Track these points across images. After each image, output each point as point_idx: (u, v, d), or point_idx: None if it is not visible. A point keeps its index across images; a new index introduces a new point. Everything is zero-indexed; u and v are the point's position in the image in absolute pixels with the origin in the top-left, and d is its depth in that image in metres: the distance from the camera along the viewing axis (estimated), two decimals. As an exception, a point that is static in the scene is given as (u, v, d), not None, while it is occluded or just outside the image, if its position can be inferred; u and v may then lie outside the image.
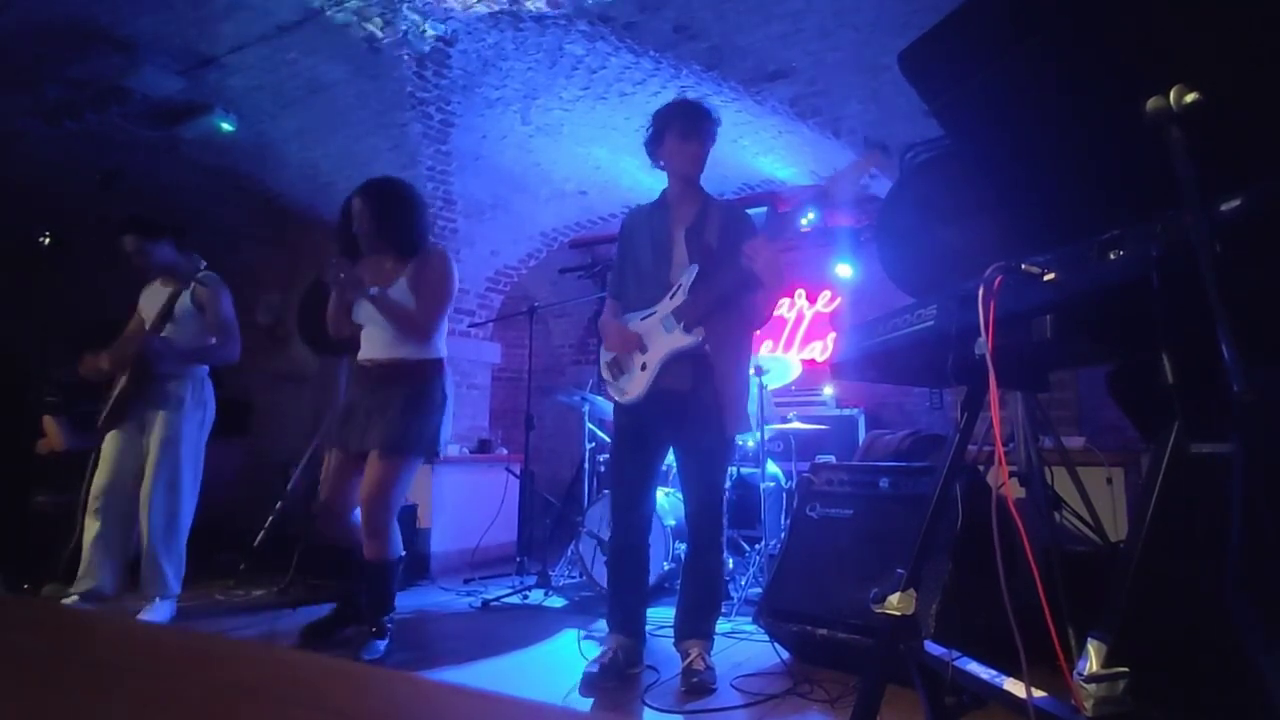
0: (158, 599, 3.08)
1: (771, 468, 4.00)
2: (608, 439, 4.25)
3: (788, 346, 5.88)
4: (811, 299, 5.90)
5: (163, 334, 3.11)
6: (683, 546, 3.15)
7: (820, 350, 5.77)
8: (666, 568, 3.53)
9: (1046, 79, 1.27)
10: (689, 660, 2.39)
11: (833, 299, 5.81)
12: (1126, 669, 0.97)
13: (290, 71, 3.93)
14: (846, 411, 5.21)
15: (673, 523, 3.58)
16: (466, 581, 4.20)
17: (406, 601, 3.57)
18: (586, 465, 4.39)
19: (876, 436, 3.74)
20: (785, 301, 5.88)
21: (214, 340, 3.23)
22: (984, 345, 1.17)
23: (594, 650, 2.69)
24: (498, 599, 3.69)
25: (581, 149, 4.62)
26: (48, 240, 3.38)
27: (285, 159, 4.82)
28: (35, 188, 4.95)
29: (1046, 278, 1.12)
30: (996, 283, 1.19)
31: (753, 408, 3.55)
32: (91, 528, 3.04)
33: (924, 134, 3.55)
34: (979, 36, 1.34)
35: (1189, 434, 0.98)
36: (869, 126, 3.91)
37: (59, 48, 3.68)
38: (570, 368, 7.33)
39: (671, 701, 2.26)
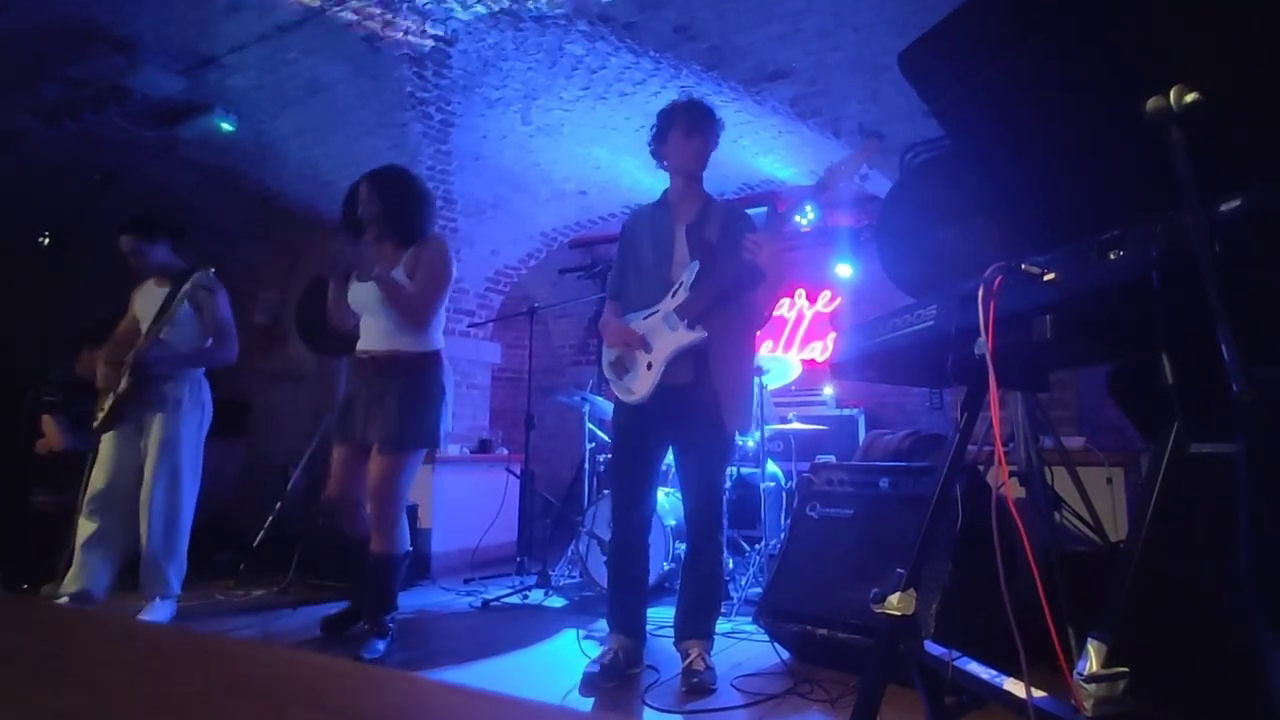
0: (158, 599, 3.08)
1: (771, 468, 4.00)
2: (608, 439, 4.25)
3: (788, 346, 5.88)
4: (811, 299, 5.90)
5: (160, 335, 3.10)
6: (683, 546, 3.14)
7: (820, 350, 5.77)
8: (666, 568, 3.53)
9: (1047, 79, 1.27)
10: (689, 660, 2.39)
11: (833, 299, 5.81)
12: (1126, 669, 0.97)
13: (290, 71, 3.93)
14: (846, 411, 5.21)
15: (673, 523, 3.58)
16: (466, 581, 4.20)
17: (407, 601, 3.57)
18: (586, 465, 4.39)
19: (876, 436, 3.74)
20: (785, 301, 5.88)
21: (211, 342, 3.23)
22: (984, 345, 1.17)
23: (594, 650, 2.69)
24: (498, 599, 3.69)
25: (581, 149, 4.62)
26: (47, 240, 3.38)
27: (285, 159, 4.82)
28: (35, 188, 4.96)
29: (1046, 278, 1.12)
30: (996, 283, 1.19)
31: (754, 408, 3.55)
32: (86, 529, 3.04)
33: (924, 134, 3.56)
34: (979, 36, 1.34)
35: (1189, 434, 0.98)
36: (869, 126, 3.90)
37: (59, 48, 3.68)
38: (570, 368, 7.33)
39: (671, 701, 2.26)
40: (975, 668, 1.29)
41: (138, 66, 3.77)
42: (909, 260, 2.56)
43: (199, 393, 3.25)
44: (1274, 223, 0.89)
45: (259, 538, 4.09)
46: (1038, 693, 1.12)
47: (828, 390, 5.53)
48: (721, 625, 2.74)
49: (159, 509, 3.05)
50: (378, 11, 3.44)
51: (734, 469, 3.91)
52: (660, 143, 2.58)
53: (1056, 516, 2.46)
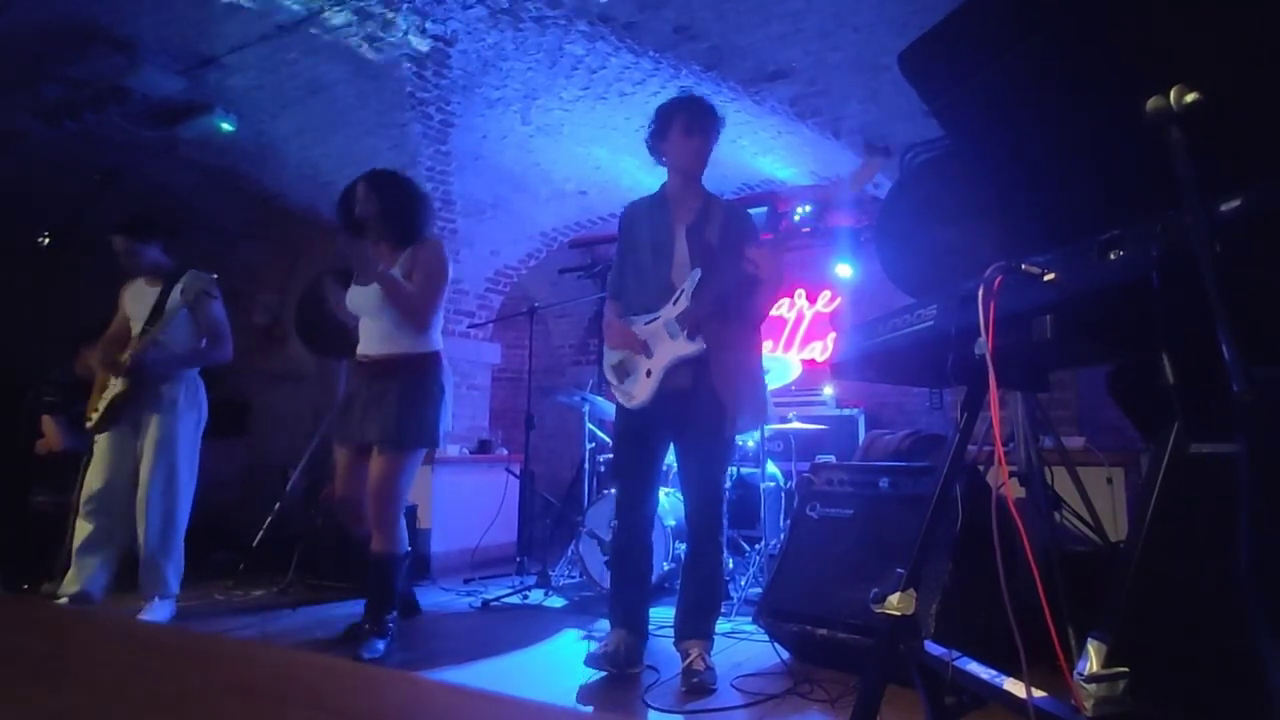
0: (157, 599, 3.08)
1: (771, 468, 4.00)
2: (608, 439, 4.26)
3: (788, 346, 5.88)
4: (811, 299, 5.90)
5: (157, 338, 3.10)
6: (683, 546, 3.15)
7: (820, 350, 5.77)
8: (666, 568, 3.53)
9: (1047, 79, 1.27)
10: (689, 660, 2.39)
11: (833, 299, 5.81)
12: (1126, 669, 0.97)
13: (290, 71, 3.93)
14: (846, 411, 5.21)
15: (673, 523, 3.58)
16: (466, 581, 4.20)
17: (406, 601, 3.57)
18: (586, 465, 4.39)
19: (876, 436, 3.74)
20: (785, 301, 5.88)
21: (206, 342, 3.22)
22: (984, 345, 1.17)
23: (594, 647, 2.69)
24: (498, 599, 3.69)
25: (581, 149, 4.62)
26: (47, 240, 3.38)
27: (285, 159, 4.82)
28: (35, 188, 4.96)
29: (1046, 278, 1.12)
30: (996, 283, 1.19)
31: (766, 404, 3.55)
32: (83, 530, 3.04)
33: (924, 134, 3.56)
34: (979, 36, 1.34)
35: (1189, 434, 0.98)
36: (869, 126, 3.91)
37: (59, 48, 3.68)
38: (570, 368, 7.33)
39: (671, 701, 2.26)
40: (975, 668, 1.29)
41: (138, 66, 3.77)
42: (909, 260, 2.56)
43: (195, 393, 3.25)
44: (1274, 223, 0.89)
45: (258, 538, 4.09)
46: (1038, 693, 1.12)
47: (828, 390, 5.53)
48: (721, 625, 2.74)
49: (156, 509, 3.05)
50: (378, 11, 3.44)
51: (734, 469, 3.91)
52: (659, 139, 2.57)
53: (1056, 516, 2.46)
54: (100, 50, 3.69)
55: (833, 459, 4.26)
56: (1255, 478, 0.84)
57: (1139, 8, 1.14)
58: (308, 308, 5.07)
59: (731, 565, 3.62)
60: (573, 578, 4.05)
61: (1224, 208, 0.91)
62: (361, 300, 2.79)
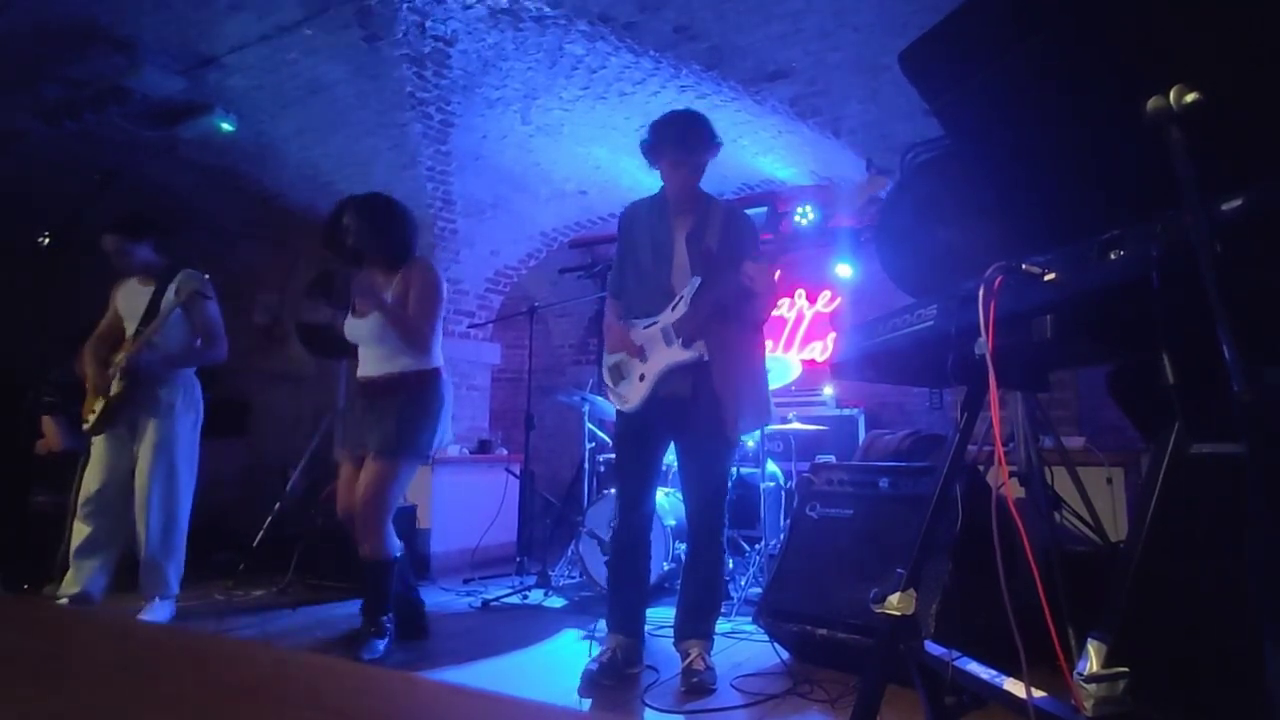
0: (157, 599, 3.08)
1: (771, 468, 4.00)
2: (608, 439, 4.26)
3: (788, 346, 5.88)
4: (811, 299, 5.90)
5: (151, 339, 3.09)
6: (683, 546, 3.15)
7: (820, 350, 5.77)
8: (666, 568, 3.53)
9: (1047, 79, 1.27)
10: (689, 660, 2.39)
11: (833, 299, 5.81)
12: (1126, 669, 0.97)
13: (290, 71, 3.93)
14: (846, 411, 5.21)
15: (673, 523, 3.58)
16: (466, 581, 4.20)
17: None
18: (586, 465, 4.39)
19: (876, 436, 3.73)
20: (785, 301, 5.88)
21: (200, 342, 3.22)
22: (984, 345, 1.17)
23: (594, 650, 2.69)
24: (498, 599, 3.69)
25: (581, 149, 4.62)
26: (47, 240, 3.38)
27: (285, 159, 4.82)
28: (35, 188, 4.95)
29: (1047, 278, 1.12)
30: (997, 283, 1.19)
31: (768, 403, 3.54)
32: (81, 532, 3.03)
33: (924, 134, 3.55)
34: (979, 36, 1.34)
35: (1189, 434, 0.98)
36: (869, 126, 3.91)
37: (59, 48, 3.68)
38: (570, 368, 7.33)
39: (671, 701, 2.26)
40: (975, 668, 1.29)
41: (138, 66, 3.77)
42: (909, 260, 2.55)
43: (192, 393, 3.25)
44: (1274, 223, 0.89)
45: (258, 538, 4.09)
46: (1038, 693, 1.12)
47: (828, 390, 5.53)
48: (721, 625, 2.74)
49: (156, 510, 3.05)
50: (378, 11, 3.44)
51: (734, 469, 3.91)
52: (652, 156, 2.56)
53: (1056, 516, 2.46)
54: (100, 50, 3.68)
55: (833, 459, 4.26)
56: (1257, 477, 0.84)
57: (1139, 8, 1.14)
58: (308, 308, 5.07)
59: (731, 565, 3.62)
60: (573, 578, 4.05)
61: (1224, 208, 0.91)
62: (361, 331, 2.81)
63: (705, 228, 2.54)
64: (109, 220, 3.20)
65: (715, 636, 2.55)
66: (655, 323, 2.52)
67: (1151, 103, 0.97)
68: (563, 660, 2.71)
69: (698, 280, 2.47)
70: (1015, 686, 1.17)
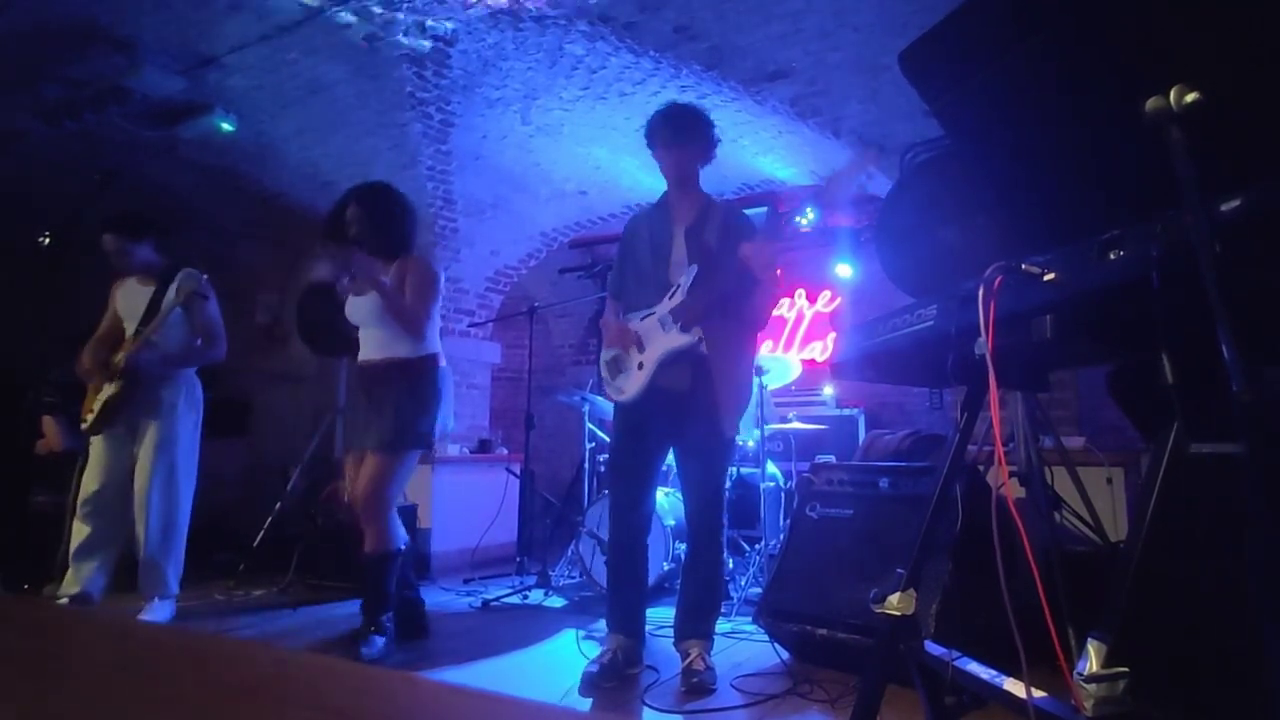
0: (157, 599, 3.08)
1: (771, 468, 4.00)
2: (608, 439, 4.26)
3: (788, 346, 5.88)
4: (811, 299, 5.90)
5: (151, 338, 3.09)
6: (683, 546, 3.15)
7: (820, 350, 5.77)
8: (666, 568, 3.53)
9: (1047, 79, 1.27)
10: (689, 660, 2.39)
11: (833, 299, 5.81)
12: (1126, 669, 0.97)
13: (290, 71, 3.93)
14: (846, 411, 5.21)
15: (673, 523, 3.58)
16: (466, 581, 4.20)
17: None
18: (586, 465, 4.39)
19: (876, 436, 3.73)
20: (785, 301, 5.88)
21: (200, 342, 3.22)
22: (984, 345, 1.17)
23: (594, 650, 2.69)
24: (498, 599, 3.69)
25: (581, 149, 4.62)
26: (48, 240, 3.38)
27: (285, 159, 4.82)
28: (35, 188, 4.95)
29: (1046, 278, 1.12)
30: (996, 283, 1.19)
31: (753, 408, 3.54)
32: (81, 532, 3.03)
33: (924, 134, 3.56)
34: (979, 36, 1.34)
35: (1189, 434, 0.98)
36: (869, 126, 3.91)
37: (59, 48, 3.68)
38: (570, 368, 7.33)
39: (671, 701, 2.26)
40: (975, 668, 1.29)
41: (138, 66, 3.77)
42: (909, 260, 2.55)
43: (193, 393, 3.25)
44: (1274, 223, 0.89)
45: (259, 538, 4.09)
46: (1038, 693, 1.12)
47: (828, 390, 5.53)
48: (721, 625, 2.74)
49: (156, 510, 3.05)
50: (378, 11, 3.44)
51: (734, 469, 3.91)
52: (652, 151, 2.61)
53: (1056, 516, 2.46)
54: (100, 50, 3.68)
55: (833, 459, 4.26)
56: (1257, 477, 0.84)
57: (1139, 8, 1.14)
58: (308, 308, 5.08)
59: (731, 565, 3.62)
60: (573, 578, 4.05)
61: (1224, 208, 0.91)
62: (360, 310, 2.85)
63: (704, 224, 2.55)
64: (108, 219, 3.19)
65: (715, 636, 2.54)
66: (652, 313, 2.52)
67: (1151, 103, 0.97)
68: (563, 660, 2.71)
69: (695, 268, 2.48)
70: (1015, 686, 1.17)
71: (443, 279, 2.95)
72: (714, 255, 2.49)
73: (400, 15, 3.46)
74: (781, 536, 3.34)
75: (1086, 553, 2.54)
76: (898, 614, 1.40)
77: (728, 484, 3.13)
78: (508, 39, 3.60)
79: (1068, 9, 1.20)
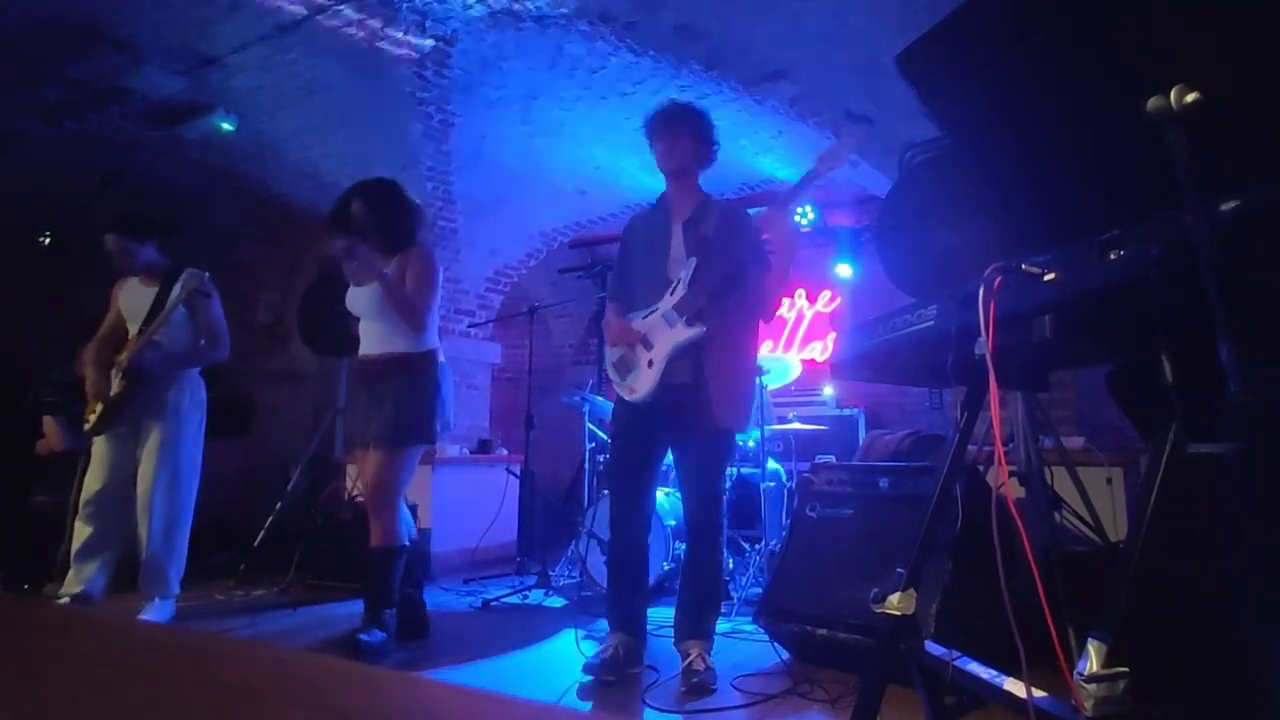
0: (158, 599, 3.08)
1: (772, 466, 4.00)
2: (608, 439, 4.26)
3: (788, 346, 5.88)
4: (811, 299, 5.90)
5: (155, 338, 3.09)
6: (683, 546, 3.14)
7: (820, 350, 5.77)
8: (666, 568, 3.53)
9: (1046, 79, 1.27)
10: (689, 660, 2.39)
11: (833, 299, 5.81)
12: (1126, 669, 0.97)
13: (290, 71, 3.93)
14: (846, 411, 5.21)
15: (673, 523, 3.58)
16: (466, 581, 4.20)
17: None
18: (586, 465, 4.40)
19: (876, 436, 3.74)
20: (785, 301, 5.88)
21: (203, 342, 3.22)
22: (984, 345, 1.17)
23: (594, 650, 2.69)
24: (498, 599, 3.69)
25: (581, 149, 4.62)
26: (48, 240, 3.37)
27: (285, 159, 4.82)
28: (35, 188, 4.96)
29: (1046, 278, 1.12)
30: (996, 283, 1.19)
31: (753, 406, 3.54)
32: (82, 532, 3.03)
33: (924, 134, 3.55)
34: (979, 36, 1.34)
35: (1188, 434, 0.98)
36: (869, 126, 3.90)
37: (59, 48, 3.68)
38: (570, 368, 7.33)
39: (671, 701, 2.26)
40: (975, 668, 1.29)
41: (138, 66, 3.77)
42: (909, 260, 2.56)
43: (197, 393, 3.25)
44: (1274, 223, 0.89)
45: (259, 538, 4.09)
46: (1038, 693, 1.12)
47: (828, 390, 5.53)
48: (721, 625, 2.74)
49: (160, 509, 3.05)
50: (378, 12, 3.44)
51: (734, 469, 3.91)
52: (650, 148, 2.62)
53: (1056, 516, 2.46)
54: (100, 50, 3.68)
55: (833, 459, 4.26)
56: (1251, 477, 0.84)
57: (1139, 8, 1.14)
58: (310, 306, 5.08)
59: (731, 565, 3.62)
60: (573, 578, 4.05)
61: (1224, 208, 0.91)
62: (360, 301, 2.86)
63: (702, 218, 2.56)
64: (110, 220, 3.19)
65: (715, 636, 2.54)
66: (655, 310, 2.52)
67: (1151, 103, 0.97)
68: (563, 660, 2.71)
69: (694, 261, 2.48)
70: (1015, 686, 1.17)
71: (441, 273, 2.96)
72: (711, 245, 2.49)
73: (400, 15, 3.46)
74: (781, 536, 3.34)
75: (1086, 553, 2.54)
76: (898, 614, 1.40)
77: (727, 484, 3.13)
78: (508, 39, 3.60)
79: (1068, 9, 1.20)
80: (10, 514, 3.67)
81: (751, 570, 3.66)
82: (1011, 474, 2.41)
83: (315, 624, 3.22)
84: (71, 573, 3.01)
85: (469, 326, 5.52)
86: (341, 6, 3.40)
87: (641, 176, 4.81)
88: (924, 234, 2.49)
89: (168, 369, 3.14)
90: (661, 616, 2.93)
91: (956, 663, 1.32)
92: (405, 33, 3.57)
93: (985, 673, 1.27)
